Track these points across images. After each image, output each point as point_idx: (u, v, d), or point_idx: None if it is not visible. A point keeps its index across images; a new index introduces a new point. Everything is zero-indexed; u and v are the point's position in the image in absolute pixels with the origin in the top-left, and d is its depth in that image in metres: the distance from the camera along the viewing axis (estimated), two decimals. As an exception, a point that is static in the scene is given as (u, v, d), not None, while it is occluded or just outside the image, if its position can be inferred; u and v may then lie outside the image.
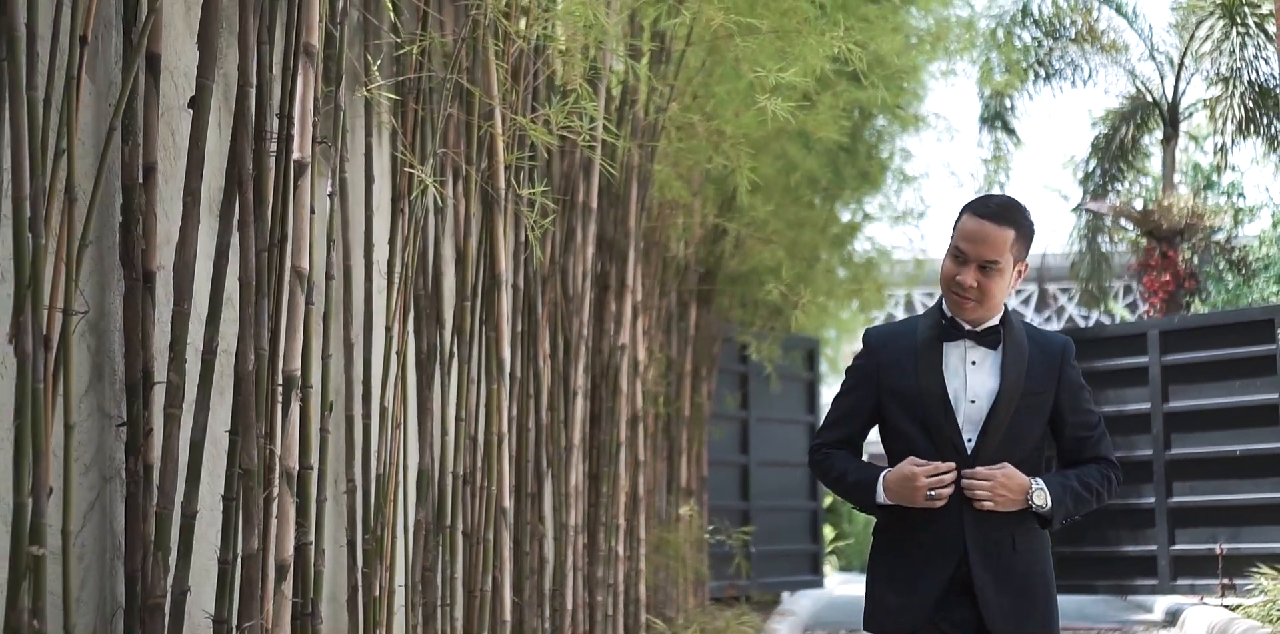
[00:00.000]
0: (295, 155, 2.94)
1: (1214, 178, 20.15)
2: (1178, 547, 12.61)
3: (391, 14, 3.85)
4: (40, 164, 2.28)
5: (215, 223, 3.02)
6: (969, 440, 3.26)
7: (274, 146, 3.02)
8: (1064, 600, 13.95)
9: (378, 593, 3.82)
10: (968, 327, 3.29)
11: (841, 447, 3.41)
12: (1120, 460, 13.03)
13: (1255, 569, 10.30)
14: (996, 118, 17.33)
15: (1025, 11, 16.86)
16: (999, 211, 3.25)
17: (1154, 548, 12.74)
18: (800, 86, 6.21)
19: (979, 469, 3.21)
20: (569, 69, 5.01)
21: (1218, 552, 11.91)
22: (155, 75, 2.95)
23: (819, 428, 3.49)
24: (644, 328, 7.65)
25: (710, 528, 10.40)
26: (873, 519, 3.41)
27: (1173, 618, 12.00)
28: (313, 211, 3.02)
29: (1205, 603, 11.64)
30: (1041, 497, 3.23)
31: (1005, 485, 3.20)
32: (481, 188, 4.45)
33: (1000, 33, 16.44)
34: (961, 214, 3.28)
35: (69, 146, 2.34)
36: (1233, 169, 20.29)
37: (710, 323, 10.92)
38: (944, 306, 3.32)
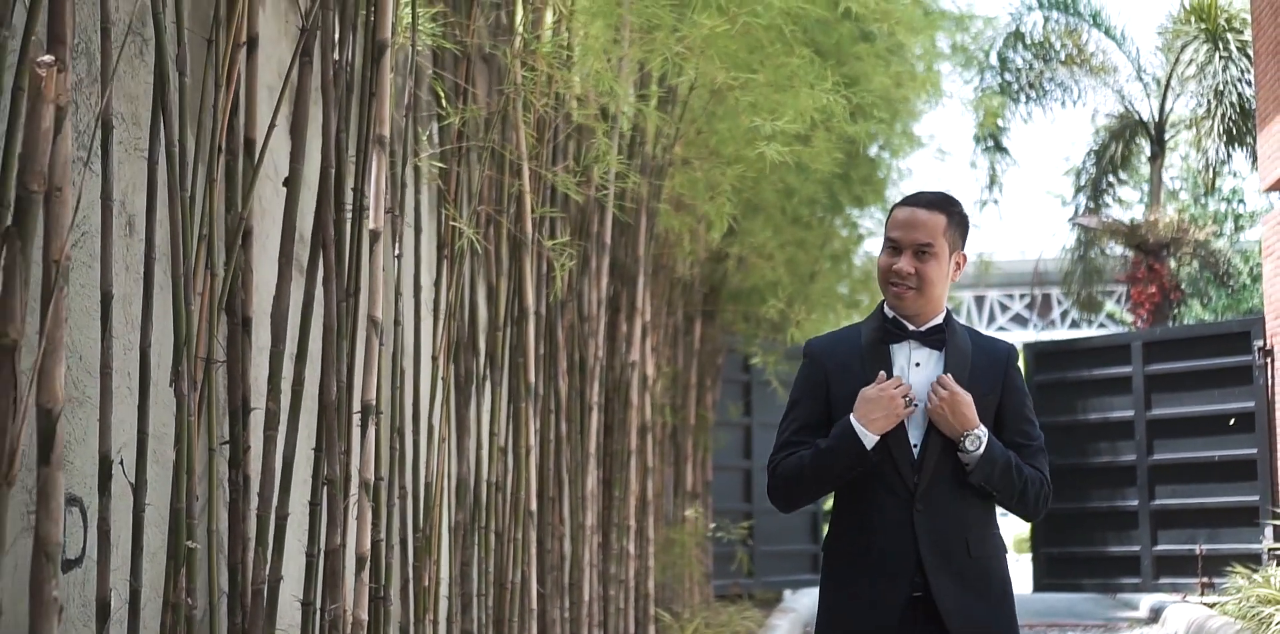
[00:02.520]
0: (370, 226, 3.62)
1: (1216, 183, 20.76)
2: (1160, 547, 13.21)
3: (440, 93, 4.52)
4: (190, 247, 2.96)
5: (303, 279, 3.70)
6: (915, 445, 3.18)
7: (350, 216, 3.70)
8: (1053, 599, 14.51)
9: (427, 583, 4.49)
10: (910, 327, 3.23)
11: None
12: (1105, 465, 13.66)
13: (1230, 568, 10.86)
14: (990, 138, 17.96)
15: (1018, 34, 17.48)
16: (930, 200, 3.24)
17: (1137, 548, 13.34)
18: (795, 128, 6.87)
19: (949, 380, 3.14)
20: (584, 112, 5.67)
21: (1197, 552, 12.50)
22: (251, 156, 3.62)
23: (772, 452, 3.30)
24: (652, 345, 8.31)
25: (713, 527, 11.05)
26: None
27: (1156, 615, 12.53)
28: (384, 269, 3.70)
29: (1187, 601, 12.22)
30: (974, 442, 3.13)
31: (952, 408, 3.11)
32: (511, 234, 5.14)
33: (993, 56, 17.06)
34: (892, 211, 3.27)
35: (209, 234, 3.01)
36: (1234, 175, 20.86)
37: (714, 336, 11.59)
38: (885, 308, 3.27)
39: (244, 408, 3.58)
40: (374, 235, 3.61)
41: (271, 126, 3.25)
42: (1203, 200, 24.54)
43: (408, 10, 4.04)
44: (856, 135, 8.09)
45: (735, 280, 11.12)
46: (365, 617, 3.59)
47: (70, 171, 2.18)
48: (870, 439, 3.11)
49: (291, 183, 3.59)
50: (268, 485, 3.52)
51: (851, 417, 3.13)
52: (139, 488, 2.96)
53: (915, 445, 3.18)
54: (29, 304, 2.12)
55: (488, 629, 5.13)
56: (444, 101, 4.58)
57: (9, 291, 2.05)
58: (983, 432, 3.14)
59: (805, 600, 13.87)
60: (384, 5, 3.59)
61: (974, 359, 3.24)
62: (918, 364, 3.22)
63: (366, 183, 3.70)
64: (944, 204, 3.23)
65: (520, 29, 4.96)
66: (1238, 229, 24.81)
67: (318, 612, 3.63)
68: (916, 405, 3.15)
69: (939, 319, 3.24)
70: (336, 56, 3.70)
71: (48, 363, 2.05)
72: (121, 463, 2.99)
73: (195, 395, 2.95)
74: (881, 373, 3.15)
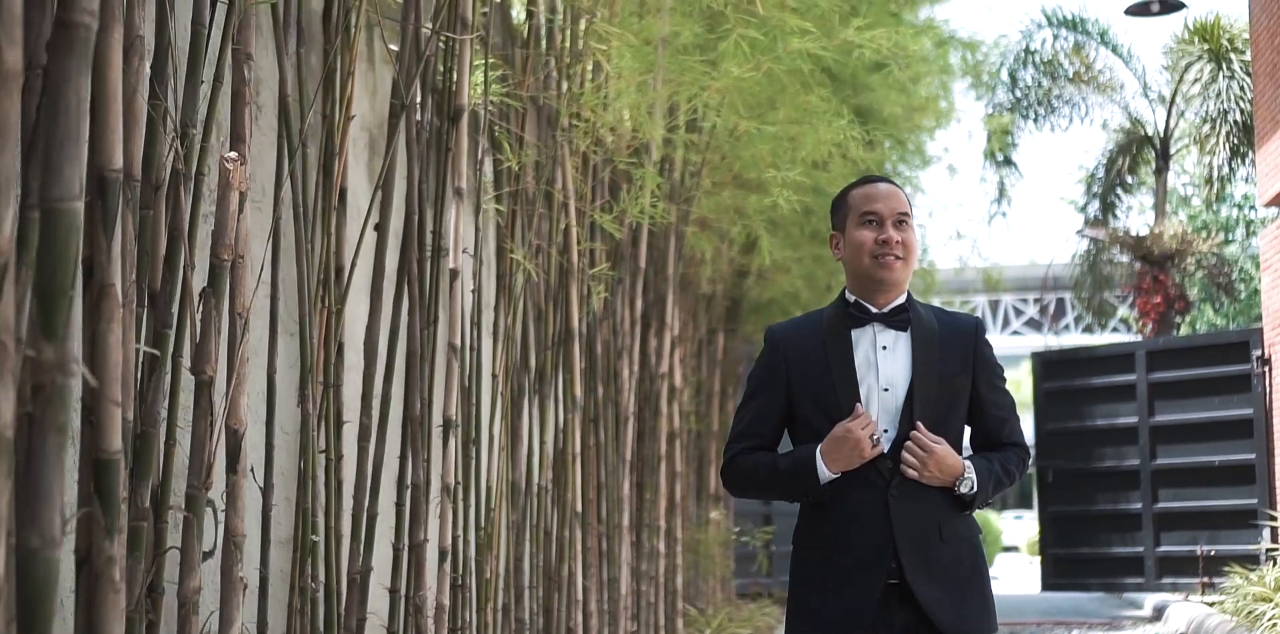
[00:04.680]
0: (450, 265, 4.19)
1: (1224, 194, 21.21)
2: (1162, 548, 13.71)
3: (501, 143, 5.10)
4: (313, 291, 3.54)
5: (390, 310, 4.28)
6: (884, 431, 3.11)
7: (430, 256, 4.28)
8: (1060, 598, 15.05)
9: (489, 576, 5.06)
10: (873, 309, 3.17)
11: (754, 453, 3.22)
12: (1110, 469, 14.23)
13: (1229, 569, 11.27)
14: (999, 152, 18.47)
15: (1028, 52, 17.99)
16: (886, 178, 3.29)
17: (1141, 550, 13.84)
18: (817, 155, 7.44)
19: (923, 436, 3.07)
20: (624, 159, 6.25)
21: (1198, 553, 13.02)
22: (344, 204, 4.20)
23: (727, 442, 3.25)
24: (680, 357, 8.88)
25: (736, 529, 11.61)
26: None
27: (1159, 614, 13.04)
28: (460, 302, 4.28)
29: (1189, 600, 12.72)
30: (968, 485, 3.09)
31: (938, 465, 3.06)
32: (559, 263, 5.72)
33: (1004, 73, 17.58)
34: (848, 195, 3.24)
35: (325, 277, 3.59)
36: (1246, 180, 21.29)
37: (735, 346, 12.16)
38: (846, 294, 3.22)
39: (338, 421, 4.15)
40: (453, 274, 4.19)
41: (377, 188, 3.82)
42: (1214, 206, 24.95)
43: (478, 73, 4.62)
44: (869, 164, 8.65)
45: (755, 293, 11.68)
46: (447, 602, 4.16)
47: (250, 242, 2.75)
48: (827, 477, 3.07)
49: (381, 228, 4.17)
50: (360, 488, 4.10)
51: (817, 450, 3.07)
52: (266, 491, 3.53)
53: (885, 430, 3.11)
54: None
55: (538, 617, 5.71)
56: (502, 148, 5.16)
57: (205, 338, 2.62)
58: (970, 470, 3.11)
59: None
60: (462, 75, 4.17)
61: (941, 337, 3.18)
62: (884, 347, 3.15)
63: (445, 226, 4.28)
64: (895, 182, 3.27)
65: (567, 84, 5.55)
66: (1250, 234, 25.19)
67: (404, 598, 4.20)
68: (883, 445, 3.08)
69: (901, 299, 3.18)
70: (419, 118, 4.28)
71: (235, 393, 2.63)
72: (252, 470, 3.56)
73: (316, 413, 3.52)
74: (858, 406, 3.08)
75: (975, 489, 3.10)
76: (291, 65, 3.63)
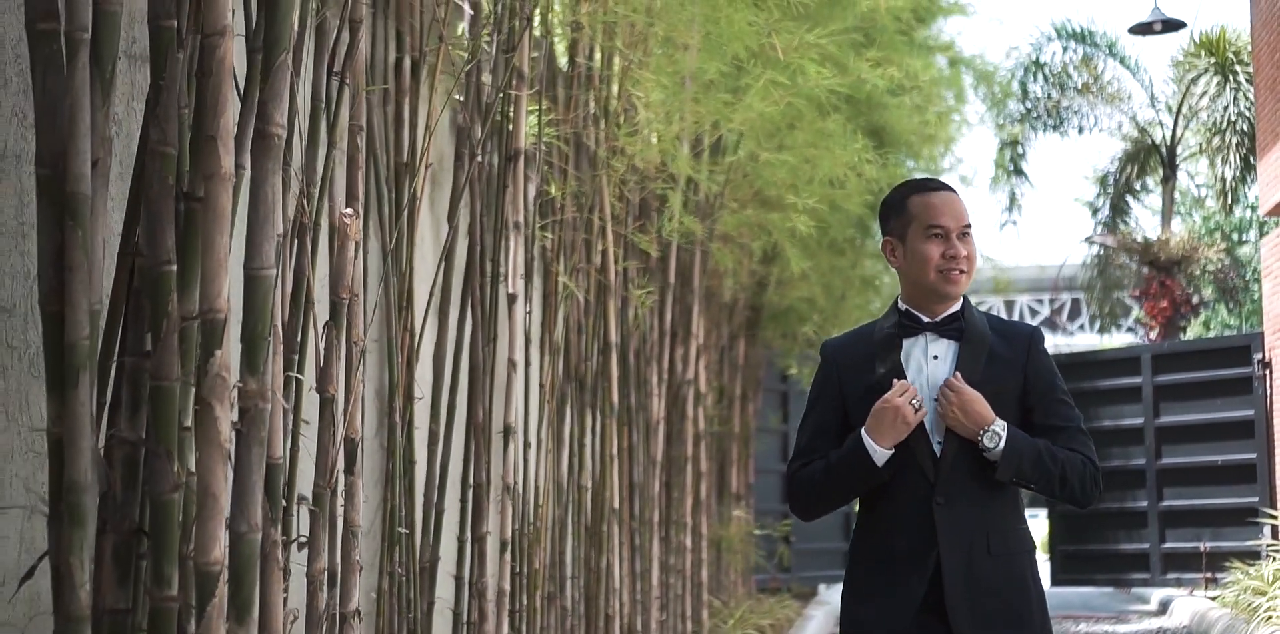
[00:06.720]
0: (509, 290, 4.75)
1: (1236, 199, 21.59)
2: (1167, 545, 14.21)
3: (547, 178, 5.66)
4: (397, 316, 4.10)
5: (455, 329, 4.83)
6: (938, 443, 3.05)
7: (490, 281, 4.83)
8: (1069, 593, 15.60)
9: (537, 566, 5.61)
10: (925, 319, 3.11)
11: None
12: (1117, 469, 14.83)
13: (1230, 564, 11.73)
14: (1010, 162, 18.95)
15: (1038, 64, 18.46)
16: (948, 184, 3.19)
17: (1147, 546, 14.34)
18: (833, 175, 7.97)
19: (959, 382, 3.03)
20: (658, 185, 6.81)
21: (1202, 550, 13.51)
22: (412, 237, 4.75)
23: (791, 458, 3.22)
24: (704, 364, 9.42)
25: (759, 526, 12.15)
26: None
27: (1164, 608, 13.55)
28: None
29: (1193, 595, 13.21)
30: (993, 439, 2.99)
31: (962, 405, 3.00)
32: (598, 281, 6.28)
33: (1014, 85, 18.06)
34: (908, 201, 3.13)
35: (408, 304, 4.15)
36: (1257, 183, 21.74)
37: (756, 352, 12.70)
38: (898, 303, 3.16)
39: (411, 429, 4.71)
40: (511, 298, 4.74)
41: (452, 229, 4.38)
42: (1228, 206, 25.34)
43: (532, 116, 5.18)
44: (883, 183, 9.16)
45: (774, 300, 12.21)
46: (508, 588, 4.71)
47: (364, 283, 3.30)
48: (881, 455, 3.02)
49: (448, 257, 4.72)
50: (430, 487, 4.65)
51: (863, 431, 3.04)
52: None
53: (939, 444, 3.05)
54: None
55: (580, 605, 6.26)
56: (548, 179, 5.73)
57: (328, 363, 3.18)
58: (1001, 426, 3.01)
59: (838, 595, 14.84)
60: (519, 121, 4.72)
61: (993, 346, 3.11)
62: (935, 356, 3.10)
63: (503, 255, 4.83)
64: (953, 188, 3.18)
65: (605, 123, 6.10)
66: (1263, 235, 25.56)
67: (467, 584, 4.75)
68: (924, 409, 3.03)
69: (956, 307, 3.13)
70: (480, 159, 4.83)
71: (350, 409, 3.18)
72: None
73: (402, 423, 4.08)
74: (895, 381, 3.05)
75: (1002, 447, 2.99)
76: (379, 119, 4.18)
